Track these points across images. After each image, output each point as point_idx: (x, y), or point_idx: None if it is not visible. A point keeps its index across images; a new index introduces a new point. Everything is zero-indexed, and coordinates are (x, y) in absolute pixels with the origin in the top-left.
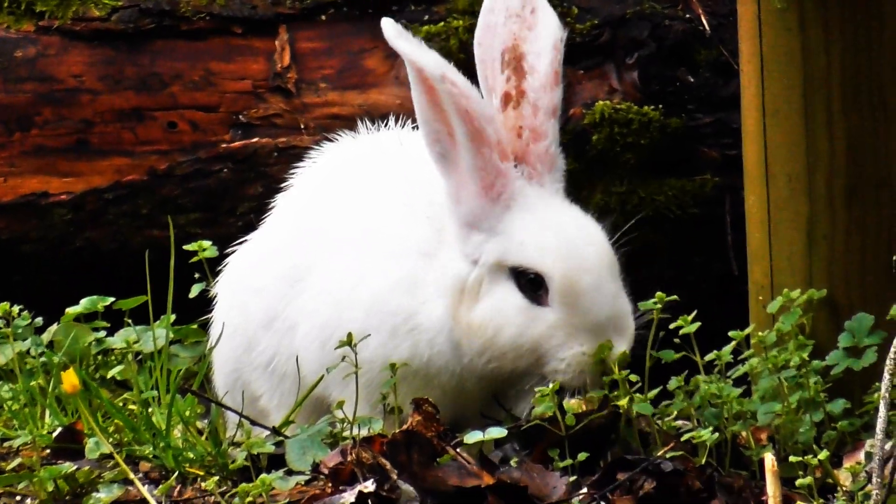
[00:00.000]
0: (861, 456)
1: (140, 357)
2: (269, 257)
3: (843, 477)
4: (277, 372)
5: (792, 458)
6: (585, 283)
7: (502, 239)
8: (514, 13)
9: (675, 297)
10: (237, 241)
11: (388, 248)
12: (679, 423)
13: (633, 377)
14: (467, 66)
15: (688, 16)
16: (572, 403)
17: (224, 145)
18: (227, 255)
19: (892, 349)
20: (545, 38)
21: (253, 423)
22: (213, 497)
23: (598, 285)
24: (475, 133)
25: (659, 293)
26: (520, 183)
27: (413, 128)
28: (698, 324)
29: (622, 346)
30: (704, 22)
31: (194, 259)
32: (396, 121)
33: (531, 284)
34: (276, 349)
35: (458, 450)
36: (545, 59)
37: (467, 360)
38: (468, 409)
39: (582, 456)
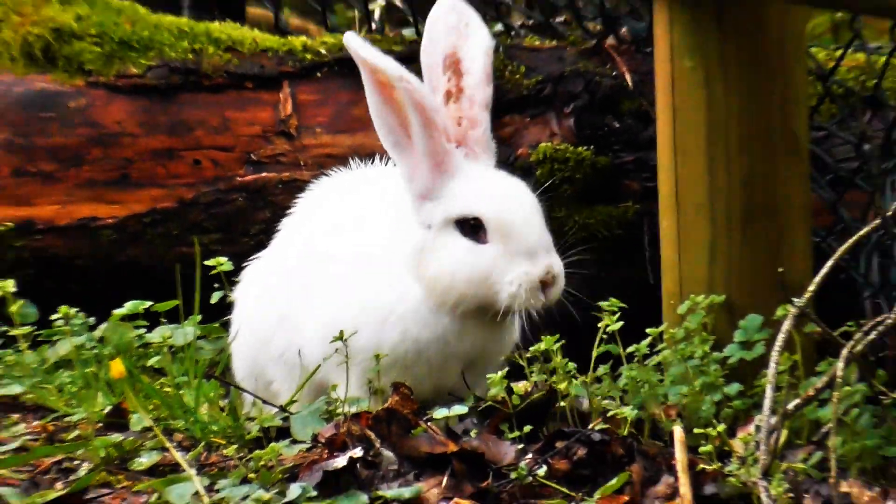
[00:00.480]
0: (751, 428)
1: (173, 349)
2: (278, 271)
3: (737, 445)
4: (288, 362)
5: (696, 430)
6: (515, 216)
7: (447, 199)
8: (453, 26)
9: (621, 303)
10: (251, 258)
11: (374, 261)
12: (606, 402)
13: (571, 365)
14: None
15: (614, 73)
16: (519, 386)
17: (239, 179)
18: (242, 268)
19: (777, 343)
20: (477, 46)
21: (265, 402)
22: (232, 461)
23: (526, 219)
24: (427, 122)
25: (613, 299)
26: (460, 159)
27: (389, 163)
28: (622, 323)
29: (555, 263)
30: (628, 78)
31: (214, 271)
32: (380, 158)
33: (472, 229)
34: (287, 344)
35: (428, 423)
36: (478, 62)
37: (443, 309)
38: (446, 383)
39: (527, 428)
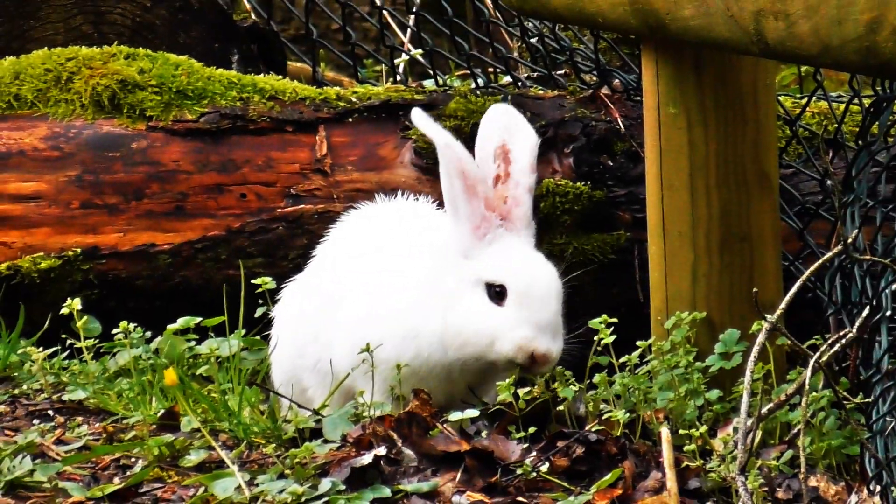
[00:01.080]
0: (730, 430)
1: (219, 360)
2: (313, 292)
3: (718, 445)
4: (320, 372)
5: (681, 431)
6: (535, 291)
7: (482, 263)
8: (504, 126)
9: (615, 319)
10: (289, 279)
11: (398, 283)
12: (602, 406)
13: (569, 373)
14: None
15: (608, 118)
16: (524, 392)
17: (280, 210)
18: (282, 288)
19: (752, 355)
20: (525, 140)
21: (300, 406)
22: (271, 458)
23: (544, 298)
24: (468, 188)
25: (604, 315)
26: (500, 230)
27: (415, 198)
28: (615, 336)
29: (554, 347)
30: (620, 123)
31: (259, 290)
32: (402, 193)
33: (496, 294)
34: (320, 355)
35: (444, 425)
36: (525, 154)
37: (449, 353)
38: (455, 395)
39: (532, 429)
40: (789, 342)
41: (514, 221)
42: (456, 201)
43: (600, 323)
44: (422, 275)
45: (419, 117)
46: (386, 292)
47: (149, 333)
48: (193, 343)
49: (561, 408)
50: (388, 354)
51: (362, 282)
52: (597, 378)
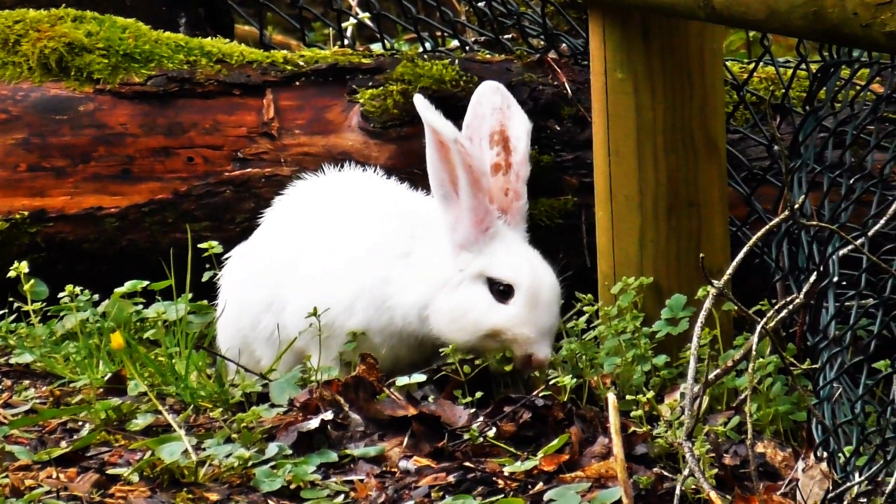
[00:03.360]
0: (677, 395)
1: (166, 323)
2: (266, 259)
3: (665, 410)
4: (275, 343)
5: (628, 397)
6: (544, 297)
7: (486, 258)
8: (497, 107)
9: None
10: (236, 243)
11: (367, 251)
12: (549, 371)
13: None
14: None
15: (555, 83)
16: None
17: (227, 174)
18: (229, 252)
19: (699, 320)
20: (521, 127)
21: (247, 370)
22: (218, 423)
23: (550, 302)
24: (475, 182)
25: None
26: (501, 224)
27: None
28: (562, 301)
29: (549, 354)
30: (567, 87)
31: (206, 254)
32: (350, 157)
33: (501, 291)
34: (275, 326)
35: (391, 390)
36: (522, 142)
37: (430, 329)
38: (420, 358)
39: (478, 395)
40: (736, 308)
41: (513, 215)
42: (456, 195)
43: None
44: (393, 248)
45: (423, 106)
46: (354, 263)
47: (96, 297)
48: (140, 307)
49: (506, 368)
50: (358, 324)
51: (325, 250)
52: None
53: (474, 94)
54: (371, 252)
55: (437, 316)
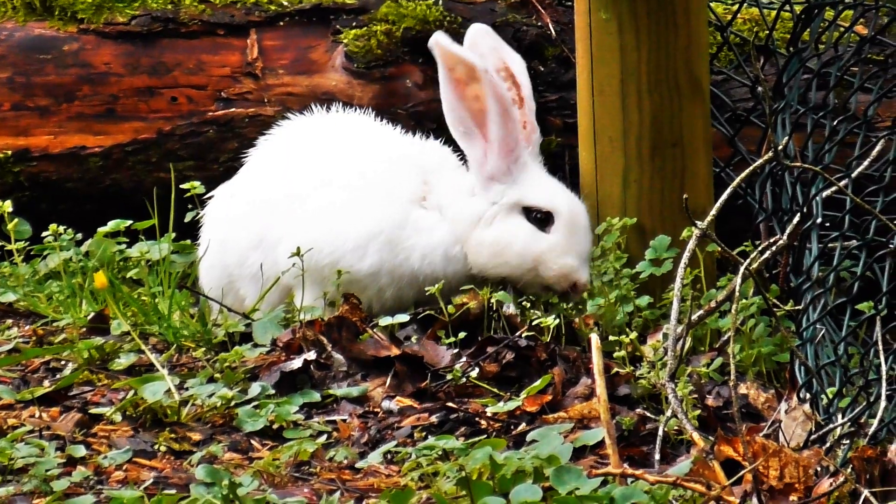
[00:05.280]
0: (660, 336)
1: (149, 263)
2: (254, 198)
3: (647, 351)
4: (262, 280)
5: (611, 338)
6: (581, 222)
7: (520, 187)
8: (493, 47)
9: None
10: (220, 183)
11: (380, 193)
12: (532, 312)
13: None
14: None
15: (539, 24)
16: (457, 299)
17: (210, 113)
18: (211, 192)
19: (683, 261)
20: (520, 64)
21: (230, 310)
22: (201, 363)
23: (586, 228)
24: (504, 112)
25: None
26: (527, 153)
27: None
28: None
29: (588, 275)
30: (551, 28)
31: (189, 194)
32: (334, 97)
33: (540, 220)
34: (262, 263)
35: (374, 330)
36: (524, 77)
37: (471, 270)
38: (424, 299)
39: (461, 335)
40: (720, 249)
41: (534, 147)
42: (478, 129)
43: None
44: (407, 192)
45: (447, 42)
46: (365, 204)
47: (79, 236)
48: (124, 246)
49: (496, 312)
50: (370, 265)
51: (332, 187)
52: None
53: (465, 38)
54: (385, 196)
55: (476, 251)
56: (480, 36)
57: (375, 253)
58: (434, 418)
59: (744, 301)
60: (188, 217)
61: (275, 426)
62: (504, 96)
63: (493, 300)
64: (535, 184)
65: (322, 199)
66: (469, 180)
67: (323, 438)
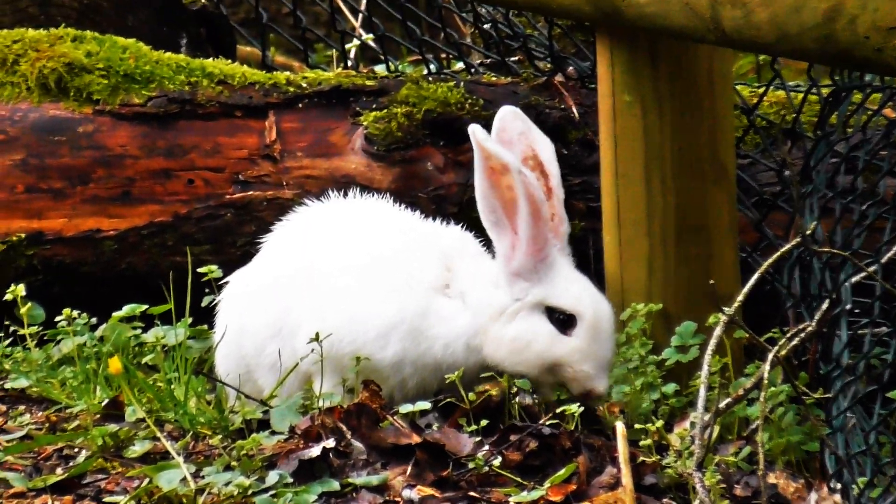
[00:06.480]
0: (687, 424)
1: (165, 348)
2: (271, 283)
3: (674, 440)
4: (280, 369)
5: (637, 426)
6: (605, 327)
7: (545, 287)
8: (521, 132)
9: None
10: (237, 267)
11: (402, 279)
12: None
13: None
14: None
15: (562, 106)
16: (479, 387)
17: (228, 196)
18: (228, 276)
19: (709, 348)
20: (549, 150)
21: (247, 397)
22: (217, 450)
23: (609, 332)
24: (536, 212)
25: None
26: (556, 251)
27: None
28: None
29: (606, 385)
30: (574, 111)
31: (206, 278)
32: (353, 180)
33: (561, 322)
34: (281, 351)
35: (395, 417)
36: (554, 165)
37: (486, 362)
38: (447, 387)
39: (483, 423)
40: (747, 335)
41: (562, 241)
42: (508, 221)
43: None
44: (431, 280)
45: (482, 137)
46: (385, 292)
47: (94, 320)
48: (139, 331)
49: (515, 401)
50: (393, 352)
51: (352, 275)
52: None
53: (495, 120)
54: (407, 283)
55: (494, 346)
56: (510, 120)
57: (398, 342)
58: None
59: (772, 389)
60: (205, 302)
61: None
62: (536, 196)
63: (514, 388)
64: (561, 283)
65: (342, 286)
66: (494, 271)
67: None
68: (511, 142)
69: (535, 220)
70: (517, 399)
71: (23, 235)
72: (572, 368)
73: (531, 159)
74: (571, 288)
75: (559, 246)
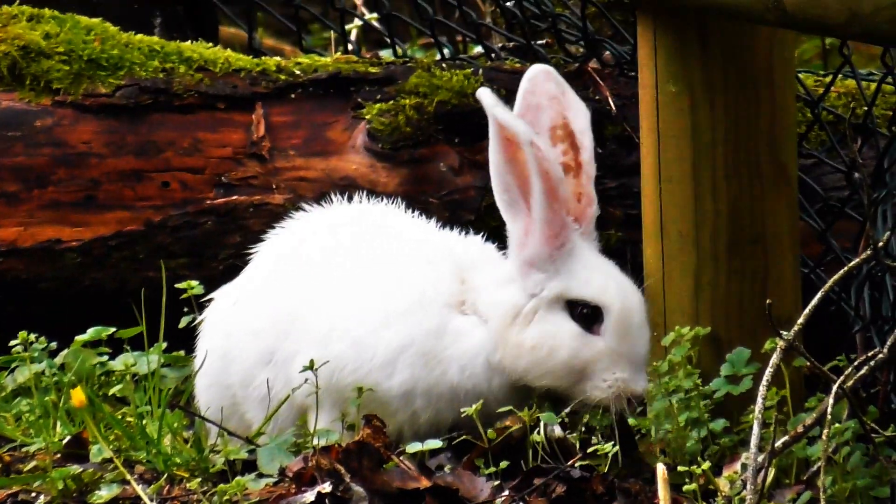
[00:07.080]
0: (738, 466)
1: (136, 378)
2: (266, 303)
3: (723, 484)
4: (272, 403)
5: (680, 468)
6: (636, 319)
7: (565, 278)
8: (554, 96)
9: None
10: (219, 283)
11: (412, 297)
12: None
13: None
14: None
15: (597, 97)
16: (499, 423)
17: (209, 202)
18: (211, 293)
19: (765, 378)
20: (584, 119)
21: (231, 434)
22: (195, 496)
23: (642, 325)
24: (551, 191)
25: None
26: (576, 236)
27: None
28: None
29: (645, 384)
30: (611, 103)
31: (185, 296)
32: (354, 182)
33: (585, 317)
34: (273, 381)
35: (401, 458)
36: (587, 136)
37: (512, 380)
38: (467, 422)
39: (503, 464)
40: (808, 363)
41: (587, 224)
42: (525, 203)
43: None
44: (444, 296)
45: (491, 102)
46: (396, 311)
47: (54, 345)
48: (106, 357)
49: (537, 438)
50: (401, 384)
51: (356, 293)
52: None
53: (523, 80)
54: (417, 301)
55: (514, 356)
56: (541, 80)
57: (407, 368)
58: None
59: (836, 425)
60: (182, 323)
61: None
62: (552, 172)
63: (538, 421)
64: (581, 272)
65: (344, 307)
66: (506, 267)
67: None
68: (539, 106)
69: (550, 200)
70: (544, 431)
71: None
72: (604, 374)
73: (560, 128)
74: (594, 276)
75: (581, 230)
